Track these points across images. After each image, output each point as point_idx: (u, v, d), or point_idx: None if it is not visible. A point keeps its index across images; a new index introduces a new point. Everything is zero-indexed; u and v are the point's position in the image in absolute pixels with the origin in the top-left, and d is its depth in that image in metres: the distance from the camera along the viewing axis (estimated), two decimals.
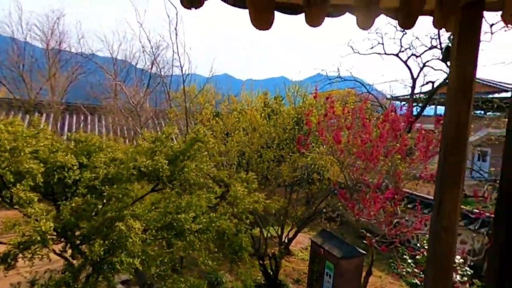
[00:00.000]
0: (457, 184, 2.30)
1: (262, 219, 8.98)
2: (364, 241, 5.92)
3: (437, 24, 2.63)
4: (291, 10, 2.29)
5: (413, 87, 13.00)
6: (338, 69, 13.43)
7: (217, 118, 8.89)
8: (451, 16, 2.49)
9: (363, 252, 7.22)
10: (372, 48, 12.89)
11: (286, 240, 9.13)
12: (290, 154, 8.59)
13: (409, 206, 9.94)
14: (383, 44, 12.90)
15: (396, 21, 2.59)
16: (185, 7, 2.14)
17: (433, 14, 2.59)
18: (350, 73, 12.07)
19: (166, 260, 4.53)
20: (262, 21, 2.17)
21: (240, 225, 4.62)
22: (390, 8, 2.60)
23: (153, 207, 4.45)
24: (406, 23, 2.58)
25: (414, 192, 10.71)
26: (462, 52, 2.31)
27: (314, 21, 2.30)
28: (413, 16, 2.51)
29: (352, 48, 12.71)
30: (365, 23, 2.47)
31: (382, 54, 13.14)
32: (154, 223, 4.13)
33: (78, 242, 3.90)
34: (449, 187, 2.33)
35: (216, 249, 4.52)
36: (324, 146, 6.10)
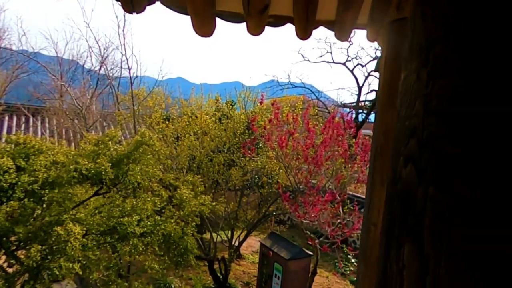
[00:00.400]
0: (383, 184, 2.50)
1: (212, 223, 8.99)
2: (309, 242, 6.14)
3: (370, 37, 2.84)
4: (233, 18, 2.39)
5: (358, 95, 13.66)
6: (288, 75, 13.79)
7: (167, 122, 8.80)
8: (381, 30, 2.69)
9: (310, 253, 7.47)
10: (321, 56, 13.42)
11: (236, 244, 9.20)
12: (241, 158, 8.70)
13: (351, 207, 10.40)
14: (331, 53, 13.47)
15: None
16: (126, 11, 2.16)
17: (366, 28, 2.80)
18: (300, 80, 12.45)
19: (110, 265, 4.43)
20: (203, 28, 2.25)
21: (186, 228, 4.63)
22: (328, 20, 2.76)
23: (96, 211, 4.35)
24: (341, 35, 2.77)
25: (355, 194, 11.21)
26: (389, 64, 2.52)
27: (254, 30, 2.42)
28: (347, 29, 2.70)
29: (303, 56, 13.17)
30: (303, 34, 2.62)
31: (330, 62, 13.70)
32: (96, 227, 4.04)
33: (13, 248, 3.72)
34: (377, 187, 2.53)
35: (162, 253, 4.50)
36: (273, 151, 6.28)
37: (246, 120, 8.96)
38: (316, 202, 4.86)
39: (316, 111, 9.70)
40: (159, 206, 4.58)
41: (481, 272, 0.69)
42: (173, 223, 4.50)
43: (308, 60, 13.31)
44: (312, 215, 5.08)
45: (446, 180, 0.73)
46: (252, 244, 11.92)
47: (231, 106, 10.13)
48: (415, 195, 0.77)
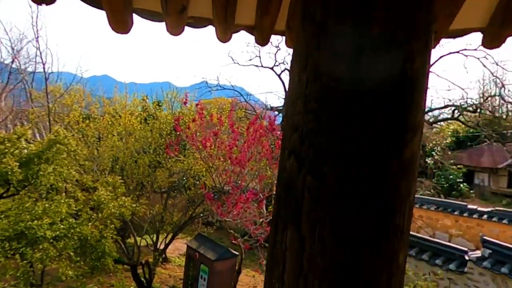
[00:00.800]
0: None
1: (137, 227, 8.70)
2: (233, 242, 6.24)
3: (288, 44, 3.00)
4: (151, 16, 2.38)
5: (285, 99, 14.15)
6: (218, 78, 13.86)
7: (87, 121, 8.34)
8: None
9: (236, 253, 7.57)
10: (250, 60, 13.68)
11: (162, 247, 9.00)
12: (167, 159, 8.54)
13: None
14: (260, 57, 13.79)
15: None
16: (35, 2, 2.05)
17: (285, 35, 2.96)
18: (230, 82, 12.58)
19: (18, 274, 4.09)
20: (119, 24, 2.21)
21: (105, 231, 4.44)
22: (247, 25, 2.87)
23: (2, 216, 3.98)
24: (260, 40, 2.90)
25: None
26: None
27: (173, 30, 2.43)
28: (265, 35, 2.82)
29: (232, 59, 13.29)
30: (223, 37, 2.69)
31: (259, 66, 14.04)
32: (1, 233, 3.70)
33: None
34: None
35: (78, 258, 4.26)
36: (199, 152, 6.27)
37: (173, 120, 8.83)
38: (238, 201, 4.97)
39: (243, 113, 9.86)
40: (74, 208, 4.33)
41: (343, 246, 0.81)
42: (91, 226, 4.28)
43: (238, 63, 13.52)
44: (234, 213, 5.18)
45: (320, 170, 0.84)
46: (179, 247, 11.73)
47: (157, 106, 9.90)
48: (296, 184, 0.87)
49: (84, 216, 4.47)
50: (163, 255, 9.78)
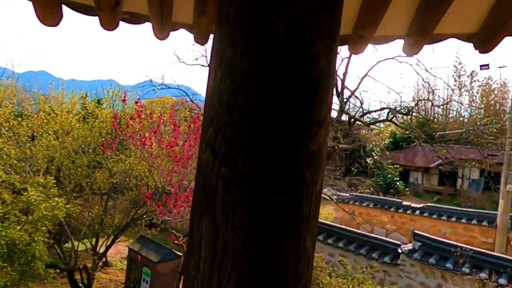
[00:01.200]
0: None
1: (75, 230, 8.30)
2: (175, 241, 6.17)
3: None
4: (83, 10, 2.31)
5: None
6: (163, 76, 13.57)
7: (19, 119, 7.80)
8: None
9: (180, 254, 7.49)
10: (196, 59, 13.57)
11: (102, 251, 8.65)
12: (108, 159, 8.23)
13: None
14: (206, 56, 13.71)
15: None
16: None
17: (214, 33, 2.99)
18: (175, 81, 12.36)
19: None
20: (46, 16, 2.12)
21: (35, 234, 4.19)
22: (186, 23, 2.87)
23: None
24: (199, 39, 2.91)
25: None
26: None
27: (106, 25, 2.38)
28: (204, 34, 2.84)
29: (178, 58, 13.06)
30: (160, 34, 2.68)
31: (205, 66, 13.95)
32: None
33: None
34: None
35: (5, 264, 3.97)
36: (137, 150, 6.12)
37: (111, 119, 8.52)
38: (178, 199, 4.93)
39: (188, 112, 9.75)
40: (1, 211, 4.04)
41: (254, 232, 0.86)
42: (20, 230, 4.02)
43: (184, 62, 13.34)
44: (175, 212, 5.13)
45: (233, 161, 0.89)
46: (121, 251, 11.34)
47: (98, 104, 9.51)
48: (211, 175, 0.91)
49: (12, 219, 4.17)
50: (104, 259, 9.41)
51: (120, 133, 6.30)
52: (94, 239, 8.56)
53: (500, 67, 15.38)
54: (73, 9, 2.33)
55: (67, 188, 7.83)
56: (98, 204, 8.61)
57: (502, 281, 6.44)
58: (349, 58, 9.55)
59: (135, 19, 2.69)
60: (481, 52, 2.09)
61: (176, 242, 5.97)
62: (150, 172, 5.88)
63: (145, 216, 9.31)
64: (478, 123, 13.95)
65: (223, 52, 0.92)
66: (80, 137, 8.09)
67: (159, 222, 13.00)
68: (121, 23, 2.69)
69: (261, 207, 0.87)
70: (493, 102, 24.78)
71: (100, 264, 9.11)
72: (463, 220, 12.59)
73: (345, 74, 9.94)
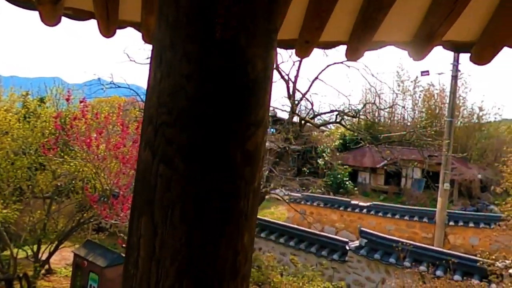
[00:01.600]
0: None
1: (14, 236, 7.80)
2: (123, 245, 6.00)
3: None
4: (22, 3, 2.20)
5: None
6: (111, 75, 13.07)
7: None
8: None
9: None
10: (147, 58, 13.17)
11: (44, 257, 8.20)
12: (52, 161, 7.81)
13: None
14: None
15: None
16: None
17: None
18: (125, 80, 11.96)
19: None
20: None
21: None
22: (134, 21, 2.82)
23: None
24: (147, 38, 2.87)
25: None
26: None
27: (47, 20, 2.28)
28: (152, 33, 2.81)
29: (128, 56, 12.59)
30: (105, 32, 2.61)
31: None
32: None
33: None
34: None
35: None
36: (82, 152, 5.88)
37: (53, 118, 8.11)
38: (125, 202, 4.81)
39: (138, 112, 9.50)
40: None
41: (192, 228, 0.89)
42: None
43: (134, 61, 12.93)
44: (122, 215, 5.00)
45: (172, 160, 0.91)
46: (66, 257, 10.80)
47: (40, 103, 8.99)
48: (150, 174, 0.93)
49: None
50: (47, 266, 8.92)
51: (64, 133, 6.00)
52: (36, 246, 8.10)
53: (439, 74, 16.48)
54: (11, 2, 2.22)
55: (6, 192, 7.35)
56: (40, 208, 8.15)
57: (438, 273, 6.92)
58: (300, 61, 9.79)
59: (78, 15, 2.61)
60: (415, 59, 2.25)
61: (123, 246, 5.80)
62: (96, 174, 5.66)
63: (92, 220, 8.95)
64: (418, 125, 14.87)
65: (162, 53, 0.94)
66: (20, 137, 7.63)
67: (107, 226, 12.53)
68: (65, 19, 2.60)
69: (200, 204, 0.89)
70: (433, 106, 26.49)
71: (43, 271, 8.63)
72: (406, 217, 13.35)
73: (296, 77, 10.17)
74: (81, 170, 7.03)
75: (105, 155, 5.43)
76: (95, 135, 5.75)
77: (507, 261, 5.59)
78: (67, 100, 6.99)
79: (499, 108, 33.50)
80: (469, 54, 2.16)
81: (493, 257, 5.72)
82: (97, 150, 5.16)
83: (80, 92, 13.23)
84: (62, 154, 7.20)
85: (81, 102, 5.51)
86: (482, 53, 1.97)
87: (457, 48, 2.16)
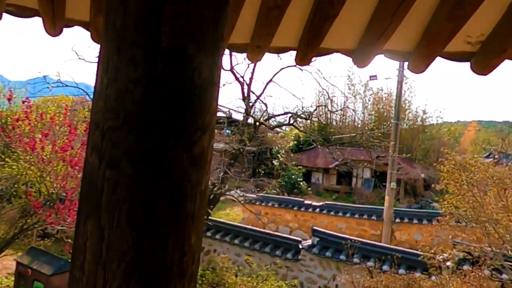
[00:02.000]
0: None
1: None
2: (70, 252, 5.76)
3: None
4: None
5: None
6: (58, 73, 12.44)
7: None
8: None
9: None
10: (97, 57, 12.65)
11: None
12: None
13: None
14: None
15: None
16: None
17: None
18: (73, 79, 11.43)
19: None
20: None
21: None
22: (82, 20, 2.74)
23: None
24: (96, 37, 2.80)
25: None
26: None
27: None
28: (100, 33, 2.75)
29: (77, 54, 12.05)
30: (51, 30, 2.53)
31: None
32: None
33: None
34: None
35: None
36: (26, 155, 5.57)
37: None
38: (72, 207, 4.62)
39: (87, 112, 9.13)
40: None
41: (138, 230, 0.91)
42: None
43: (83, 59, 12.41)
44: (68, 220, 4.80)
45: (118, 163, 0.92)
46: (8, 266, 10.14)
47: None
48: (97, 178, 0.93)
49: None
50: None
51: (4, 135, 5.65)
52: None
53: (386, 79, 17.35)
54: None
55: None
56: None
57: (385, 267, 7.30)
58: (255, 64, 9.92)
59: (21, 12, 2.51)
60: (358, 66, 2.39)
61: (70, 252, 5.56)
62: (41, 177, 5.38)
63: (36, 226, 8.46)
64: (367, 128, 15.57)
65: (109, 58, 0.95)
66: None
67: (54, 232, 11.91)
68: (6, 15, 2.49)
69: (146, 206, 0.91)
70: (382, 109, 27.82)
71: None
72: (356, 216, 13.90)
73: (251, 79, 10.28)
74: (24, 173, 6.63)
75: (51, 158, 5.17)
76: (40, 137, 5.47)
77: (444, 255, 6.02)
78: (9, 100, 6.57)
79: (440, 111, 35.93)
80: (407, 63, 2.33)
81: (433, 251, 6.14)
82: (42, 152, 4.91)
83: (23, 90, 12.50)
84: (3, 156, 6.77)
85: (24, 102, 5.19)
86: (417, 63, 2.14)
87: (396, 57, 2.33)
